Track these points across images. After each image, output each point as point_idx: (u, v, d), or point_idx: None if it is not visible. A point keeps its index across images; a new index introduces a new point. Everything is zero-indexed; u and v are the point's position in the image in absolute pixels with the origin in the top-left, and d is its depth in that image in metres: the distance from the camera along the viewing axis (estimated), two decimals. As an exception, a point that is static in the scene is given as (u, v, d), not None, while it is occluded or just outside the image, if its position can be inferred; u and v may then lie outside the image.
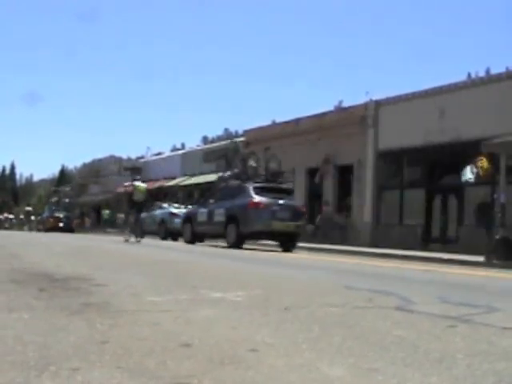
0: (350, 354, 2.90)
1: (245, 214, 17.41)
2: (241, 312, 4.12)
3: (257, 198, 17.58)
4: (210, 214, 18.98)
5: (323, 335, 3.35)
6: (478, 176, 19.54)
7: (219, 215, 18.47)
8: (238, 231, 17.49)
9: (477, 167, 19.08)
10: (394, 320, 4.00)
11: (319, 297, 5.28)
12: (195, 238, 19.98)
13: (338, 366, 2.65)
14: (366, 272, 9.31)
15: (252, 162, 21.08)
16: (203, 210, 19.66)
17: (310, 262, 11.51)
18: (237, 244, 17.43)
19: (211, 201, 19.72)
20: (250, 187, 18.06)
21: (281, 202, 17.71)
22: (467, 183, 16.63)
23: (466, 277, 9.66)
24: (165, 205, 29.44)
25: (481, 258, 14.64)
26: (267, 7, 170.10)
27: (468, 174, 19.49)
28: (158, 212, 27.93)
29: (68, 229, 38.56)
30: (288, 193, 19.30)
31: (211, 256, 12.67)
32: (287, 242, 17.91)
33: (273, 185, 18.78)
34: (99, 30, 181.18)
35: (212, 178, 33.14)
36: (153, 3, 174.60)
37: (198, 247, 17.52)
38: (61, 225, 39.61)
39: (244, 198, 17.84)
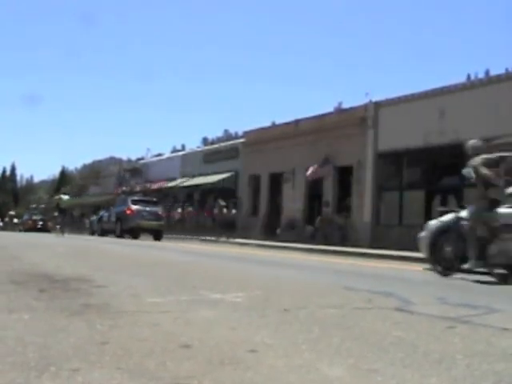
0: (349, 354, 2.91)
1: (125, 216, 27.45)
2: (240, 313, 4.12)
3: (132, 207, 27.69)
4: (109, 216, 29.73)
5: (323, 336, 3.36)
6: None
7: (113, 217, 28.94)
8: (121, 227, 27.71)
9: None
10: (393, 321, 4.00)
11: (319, 298, 5.28)
12: (103, 232, 29.94)
13: (337, 367, 2.66)
14: (365, 273, 9.31)
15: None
16: (106, 214, 30.80)
17: (309, 263, 11.51)
18: (121, 235, 27.21)
19: (112, 208, 30.39)
20: (129, 199, 29.14)
21: (147, 208, 27.75)
22: (470, 177, 16.47)
23: (464, 278, 9.65)
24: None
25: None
26: (266, 8, 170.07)
27: (468, 173, 19.36)
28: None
29: (44, 229, 42.83)
30: (155, 203, 29.28)
31: (210, 257, 12.66)
32: (156, 235, 27.25)
33: (144, 198, 30.98)
34: (99, 31, 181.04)
35: (212, 179, 33.20)
36: (153, 4, 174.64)
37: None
38: (38, 226, 45.21)
39: (125, 206, 28.19)
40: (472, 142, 9.89)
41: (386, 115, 24.15)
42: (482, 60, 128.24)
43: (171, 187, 38.45)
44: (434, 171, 23.32)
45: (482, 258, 8.72)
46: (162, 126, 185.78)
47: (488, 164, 9.36)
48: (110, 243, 18.78)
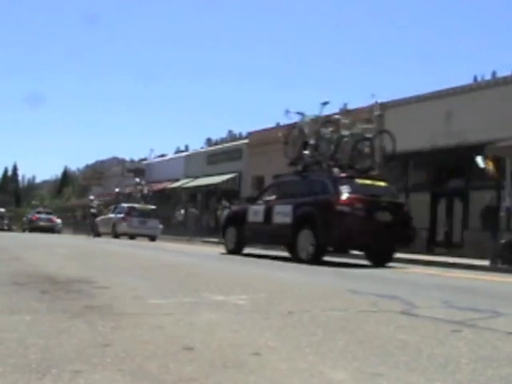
0: (353, 358, 2.89)
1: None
2: (243, 315, 4.10)
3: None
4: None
5: (326, 339, 3.33)
6: (486, 172, 19.29)
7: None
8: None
9: (486, 164, 18.80)
10: (397, 324, 3.98)
11: (323, 301, 5.26)
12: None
13: (341, 370, 2.63)
14: (369, 276, 9.28)
15: None
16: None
17: (313, 267, 11.46)
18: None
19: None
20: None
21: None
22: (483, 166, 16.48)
23: (471, 281, 9.63)
24: None
25: (486, 263, 14.58)
26: (270, 9, 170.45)
27: (480, 162, 19.15)
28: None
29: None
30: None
31: (214, 259, 12.65)
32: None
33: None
34: (102, 31, 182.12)
35: (216, 180, 33.17)
36: (156, 5, 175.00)
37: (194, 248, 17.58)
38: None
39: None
40: None
41: (392, 117, 24.08)
42: (489, 62, 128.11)
43: (174, 188, 38.46)
44: (441, 173, 23.26)
45: None
46: (165, 126, 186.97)
47: None
48: (113, 244, 18.79)
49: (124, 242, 23.21)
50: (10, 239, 19.50)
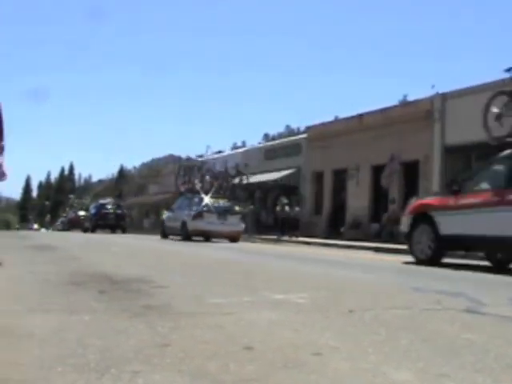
0: (417, 358, 2.82)
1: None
2: (304, 314, 4.07)
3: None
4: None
5: (389, 338, 3.27)
6: None
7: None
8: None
9: None
10: (463, 323, 3.87)
11: (385, 299, 5.18)
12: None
13: (404, 371, 2.58)
14: (433, 273, 9.08)
15: None
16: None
17: (375, 263, 11.33)
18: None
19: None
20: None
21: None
22: None
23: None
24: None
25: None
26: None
27: None
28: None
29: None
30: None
31: (272, 256, 12.64)
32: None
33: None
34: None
35: (274, 176, 33.09)
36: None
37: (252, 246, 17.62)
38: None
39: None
40: None
41: (454, 107, 23.53)
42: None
43: (232, 185, 38.59)
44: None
45: None
46: (222, 122, 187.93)
47: None
48: (169, 244, 19.02)
49: (187, 242, 21.34)
50: (71, 238, 19.96)
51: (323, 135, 30.33)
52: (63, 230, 49.94)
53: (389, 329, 3.56)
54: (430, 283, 6.76)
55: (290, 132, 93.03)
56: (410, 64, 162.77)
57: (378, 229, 25.62)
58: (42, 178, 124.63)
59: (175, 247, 15.87)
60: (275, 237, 25.13)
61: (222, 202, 23.95)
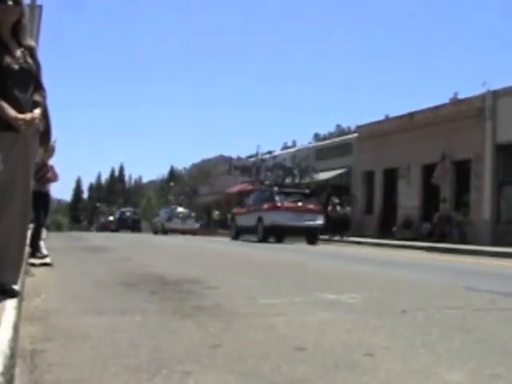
0: (470, 358, 2.80)
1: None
2: (355, 315, 4.07)
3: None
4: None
5: (442, 339, 3.25)
6: None
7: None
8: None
9: None
10: (517, 323, 3.82)
11: (437, 299, 5.13)
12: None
13: (457, 372, 2.57)
14: (486, 272, 8.93)
15: None
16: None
17: (427, 263, 11.18)
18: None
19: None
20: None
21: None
22: None
23: None
24: None
25: None
26: None
27: None
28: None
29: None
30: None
31: (324, 256, 12.59)
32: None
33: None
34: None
35: (325, 175, 32.91)
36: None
37: (311, 247, 17.57)
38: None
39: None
40: None
41: (505, 105, 23.00)
42: None
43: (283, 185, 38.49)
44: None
45: None
46: (272, 122, 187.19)
47: None
48: (225, 244, 19.05)
49: (236, 241, 21.53)
50: (125, 240, 20.15)
51: (374, 134, 30.02)
52: (97, 231, 53.18)
53: (441, 329, 3.54)
54: (483, 283, 6.66)
55: (341, 131, 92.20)
56: (461, 61, 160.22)
57: (429, 228, 25.23)
58: (93, 180, 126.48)
59: (225, 248, 15.90)
60: (327, 237, 24.99)
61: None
